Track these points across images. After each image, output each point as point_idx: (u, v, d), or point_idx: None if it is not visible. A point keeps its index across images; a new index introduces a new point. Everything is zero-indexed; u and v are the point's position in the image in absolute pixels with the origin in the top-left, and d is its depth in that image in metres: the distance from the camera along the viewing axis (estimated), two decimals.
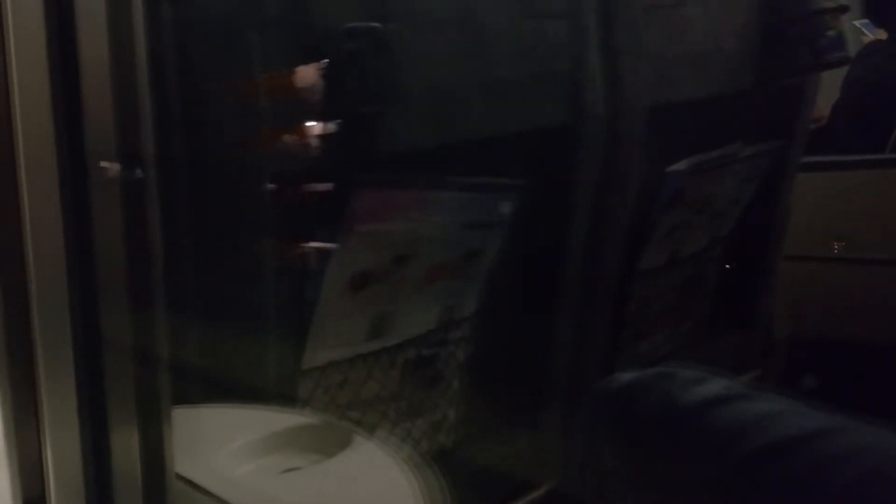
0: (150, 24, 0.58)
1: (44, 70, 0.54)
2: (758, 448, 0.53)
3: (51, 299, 0.55)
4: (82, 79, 0.55)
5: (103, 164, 0.56)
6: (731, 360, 1.85)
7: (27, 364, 0.55)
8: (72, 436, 0.57)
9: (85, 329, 0.57)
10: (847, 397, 0.57)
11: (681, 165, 1.49)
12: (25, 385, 0.55)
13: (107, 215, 0.57)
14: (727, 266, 1.82)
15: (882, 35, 2.71)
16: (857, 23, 2.89)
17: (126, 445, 0.60)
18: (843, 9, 1.62)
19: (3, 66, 0.53)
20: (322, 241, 1.06)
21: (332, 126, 1.00)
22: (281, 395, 1.08)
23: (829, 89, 2.34)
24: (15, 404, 0.55)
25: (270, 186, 0.99)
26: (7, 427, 0.56)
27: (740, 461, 0.53)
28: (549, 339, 1.36)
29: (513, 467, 1.33)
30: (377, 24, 0.97)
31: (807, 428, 0.53)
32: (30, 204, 0.54)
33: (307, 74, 0.93)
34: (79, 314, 0.57)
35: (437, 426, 1.29)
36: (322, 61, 0.95)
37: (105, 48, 0.56)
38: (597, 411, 0.68)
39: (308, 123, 0.99)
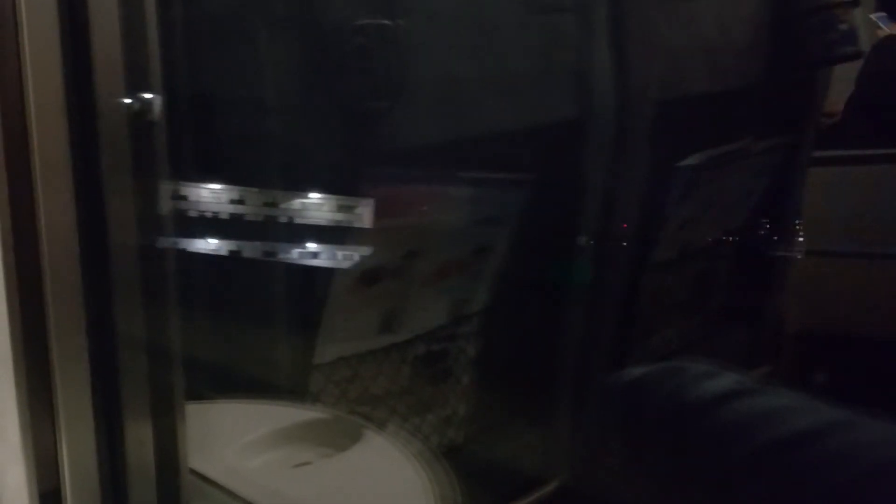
0: (162, 22, 0.58)
1: (57, 66, 0.54)
2: (767, 443, 0.53)
3: (65, 295, 0.56)
4: (95, 75, 0.56)
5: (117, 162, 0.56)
6: (741, 355, 1.84)
7: (42, 359, 0.56)
8: (86, 430, 0.58)
9: (99, 325, 0.58)
10: (857, 392, 0.57)
11: (693, 160, 1.48)
12: (41, 380, 0.56)
13: (121, 211, 0.57)
14: (739, 261, 1.81)
15: None
16: (873, 16, 2.86)
17: (140, 440, 0.60)
18: (855, 2, 1.60)
19: (18, 62, 0.53)
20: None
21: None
22: (292, 391, 1.08)
23: (844, 83, 2.32)
24: (31, 399, 0.56)
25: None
26: (23, 421, 0.56)
27: (750, 456, 0.53)
28: (560, 333, 1.36)
29: (523, 462, 1.33)
30: (386, 21, 0.97)
31: (817, 423, 0.53)
32: (44, 200, 0.55)
33: None
34: (93, 311, 0.57)
35: (447, 421, 1.29)
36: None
37: (118, 45, 0.56)
38: (607, 406, 0.68)
39: None
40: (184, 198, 0.95)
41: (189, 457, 0.64)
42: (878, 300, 1.92)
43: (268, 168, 1.01)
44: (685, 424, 0.59)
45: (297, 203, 1.00)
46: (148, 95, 0.58)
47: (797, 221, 1.85)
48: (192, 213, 0.96)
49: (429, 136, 1.10)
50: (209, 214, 0.97)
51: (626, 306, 1.47)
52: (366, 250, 1.07)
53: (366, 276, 1.10)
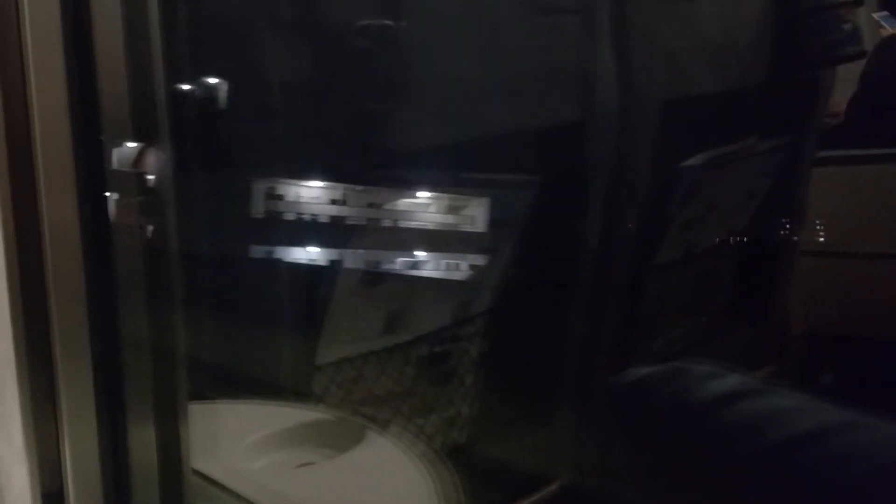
0: (164, 22, 0.58)
1: (60, 69, 0.54)
2: (772, 443, 0.53)
3: (69, 297, 0.56)
4: (98, 78, 0.56)
5: (121, 165, 0.56)
6: (746, 356, 1.84)
7: (46, 361, 0.56)
8: (90, 431, 0.58)
9: (102, 326, 0.58)
10: (862, 393, 0.57)
11: (696, 160, 1.48)
12: (44, 382, 0.56)
13: (124, 213, 0.57)
14: (742, 261, 1.81)
15: None
16: (875, 15, 2.86)
17: (143, 440, 0.60)
18: (858, 2, 1.60)
19: (20, 63, 0.53)
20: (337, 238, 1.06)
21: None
22: (295, 391, 1.08)
23: (847, 83, 2.32)
24: (34, 400, 0.56)
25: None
26: (27, 423, 0.56)
27: (754, 456, 0.53)
28: (563, 334, 1.36)
29: (526, 463, 1.33)
30: (389, 22, 0.97)
31: (821, 424, 0.53)
32: (47, 202, 0.55)
33: None
34: (96, 312, 0.57)
35: (451, 422, 1.29)
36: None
37: (120, 44, 0.56)
38: (610, 406, 0.68)
39: None
40: (280, 197, 0.89)
41: (192, 457, 0.64)
42: (882, 300, 1.91)
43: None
44: (689, 425, 0.59)
45: (402, 203, 0.93)
46: (213, 80, 0.56)
47: (817, 222, 1.85)
48: (290, 216, 0.90)
49: (431, 137, 1.10)
50: (307, 217, 0.91)
51: (630, 307, 1.47)
52: (477, 258, 1.00)
53: (369, 278, 1.10)
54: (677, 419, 0.60)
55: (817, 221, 1.89)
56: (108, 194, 0.56)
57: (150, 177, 0.57)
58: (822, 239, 1.97)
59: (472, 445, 1.31)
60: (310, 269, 1.05)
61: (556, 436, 1.35)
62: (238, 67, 0.97)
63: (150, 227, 0.57)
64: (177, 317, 0.62)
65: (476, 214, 0.94)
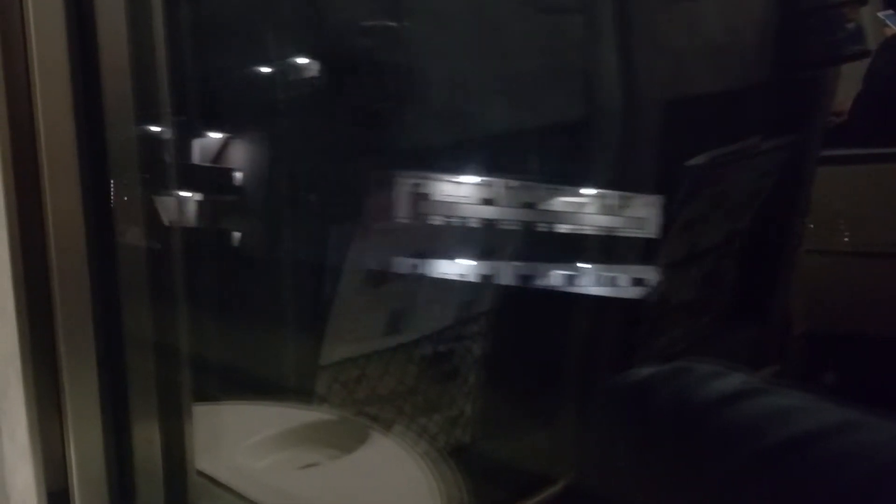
0: (168, 21, 0.58)
1: (65, 68, 0.55)
2: (775, 443, 0.53)
3: (73, 296, 0.56)
4: (102, 77, 0.56)
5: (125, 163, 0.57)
6: (748, 355, 1.84)
7: (51, 360, 0.56)
8: (94, 431, 0.58)
9: (107, 326, 0.58)
10: (865, 392, 0.57)
11: (699, 159, 1.48)
12: (49, 380, 0.56)
13: (128, 213, 0.58)
14: (745, 260, 1.81)
15: None
16: (880, 14, 2.85)
17: (147, 441, 0.60)
18: (862, 1, 1.60)
19: (25, 63, 0.53)
20: (340, 238, 1.06)
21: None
22: (298, 392, 1.08)
23: (851, 82, 2.31)
24: (39, 400, 0.56)
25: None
26: (31, 422, 0.57)
27: (757, 456, 0.53)
28: (566, 333, 1.36)
29: (529, 462, 1.33)
30: (392, 23, 0.97)
31: (825, 423, 0.53)
32: (52, 202, 0.55)
33: None
34: (101, 312, 0.57)
35: (454, 421, 1.29)
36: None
37: (124, 44, 0.56)
38: (613, 406, 0.68)
39: None
40: (424, 196, 0.79)
41: (196, 458, 0.64)
42: (884, 299, 1.91)
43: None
44: (692, 424, 0.59)
45: (558, 203, 0.79)
46: (303, 60, 0.54)
47: (821, 221, 1.85)
48: (437, 221, 0.76)
49: (434, 136, 1.10)
50: (455, 221, 0.77)
51: (633, 306, 1.46)
52: (654, 274, 0.82)
53: (373, 277, 1.10)
54: (680, 419, 0.59)
55: (820, 220, 1.89)
56: (112, 193, 0.56)
57: (238, 174, 0.55)
58: (824, 238, 1.97)
59: (476, 445, 1.31)
60: (314, 269, 1.05)
61: (560, 435, 1.35)
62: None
63: (237, 234, 0.54)
64: (181, 317, 0.62)
65: (647, 216, 0.80)
